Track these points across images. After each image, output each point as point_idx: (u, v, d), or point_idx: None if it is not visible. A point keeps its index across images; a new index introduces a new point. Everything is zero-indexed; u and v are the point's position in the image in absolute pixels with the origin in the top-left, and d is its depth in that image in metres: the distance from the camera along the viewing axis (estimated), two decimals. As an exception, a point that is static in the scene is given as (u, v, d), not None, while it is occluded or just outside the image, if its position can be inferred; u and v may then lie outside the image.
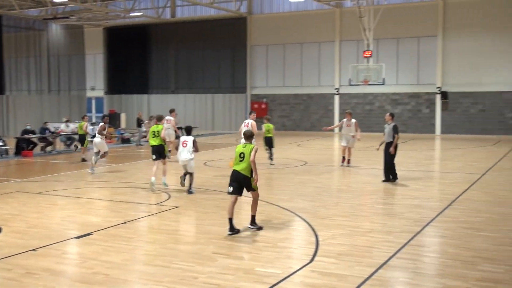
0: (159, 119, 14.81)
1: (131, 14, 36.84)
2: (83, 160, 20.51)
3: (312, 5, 35.84)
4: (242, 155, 9.48)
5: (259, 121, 21.39)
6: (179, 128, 22.25)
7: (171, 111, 21.15)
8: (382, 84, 30.11)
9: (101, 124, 18.54)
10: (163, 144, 14.13)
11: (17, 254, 8.35)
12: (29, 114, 34.94)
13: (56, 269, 7.66)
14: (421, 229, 9.81)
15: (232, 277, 7.27)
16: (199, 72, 40.23)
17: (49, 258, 8.17)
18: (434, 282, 7.14)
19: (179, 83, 41.22)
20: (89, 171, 17.24)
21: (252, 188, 9.59)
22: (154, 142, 14.08)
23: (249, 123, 16.87)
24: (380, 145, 15.58)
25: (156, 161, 14.15)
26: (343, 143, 18.68)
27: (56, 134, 25.09)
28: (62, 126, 25.65)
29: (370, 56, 30.11)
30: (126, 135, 30.65)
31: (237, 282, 7.08)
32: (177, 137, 18.05)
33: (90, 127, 21.96)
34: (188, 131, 13.48)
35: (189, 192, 13.40)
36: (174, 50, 41.08)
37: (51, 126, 25.93)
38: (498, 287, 6.88)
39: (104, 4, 35.25)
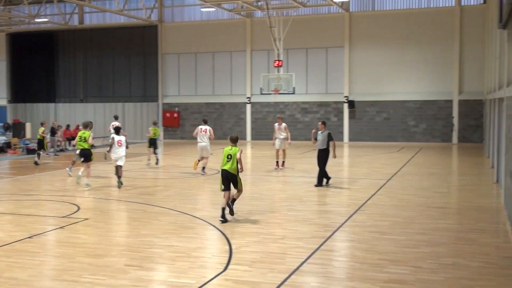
0: (86, 126, 16.21)
1: (37, 20, 35.43)
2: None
3: (223, 14, 36.07)
4: (229, 156, 11.07)
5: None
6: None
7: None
8: (292, 93, 30.68)
9: None
10: (90, 148, 15.84)
11: None
12: None
13: (-46, 289, 7.23)
14: (331, 234, 10.10)
15: (145, 289, 7.16)
16: (109, 81, 39.36)
17: None
18: (344, 285, 7.39)
19: (88, 92, 40.07)
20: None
21: (237, 186, 11.18)
22: (82, 146, 15.76)
23: (206, 129, 18.30)
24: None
25: (84, 163, 15.78)
26: (276, 147, 19.72)
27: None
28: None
29: (280, 66, 30.63)
30: (32, 145, 29.36)
31: (150, 294, 6.98)
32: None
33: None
34: (117, 131, 15.90)
35: (120, 183, 15.50)
36: (83, 58, 39.89)
37: None
38: (403, 288, 7.21)
39: (7, 9, 33.69)
